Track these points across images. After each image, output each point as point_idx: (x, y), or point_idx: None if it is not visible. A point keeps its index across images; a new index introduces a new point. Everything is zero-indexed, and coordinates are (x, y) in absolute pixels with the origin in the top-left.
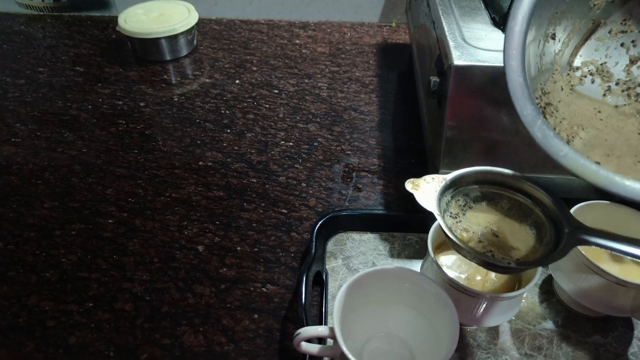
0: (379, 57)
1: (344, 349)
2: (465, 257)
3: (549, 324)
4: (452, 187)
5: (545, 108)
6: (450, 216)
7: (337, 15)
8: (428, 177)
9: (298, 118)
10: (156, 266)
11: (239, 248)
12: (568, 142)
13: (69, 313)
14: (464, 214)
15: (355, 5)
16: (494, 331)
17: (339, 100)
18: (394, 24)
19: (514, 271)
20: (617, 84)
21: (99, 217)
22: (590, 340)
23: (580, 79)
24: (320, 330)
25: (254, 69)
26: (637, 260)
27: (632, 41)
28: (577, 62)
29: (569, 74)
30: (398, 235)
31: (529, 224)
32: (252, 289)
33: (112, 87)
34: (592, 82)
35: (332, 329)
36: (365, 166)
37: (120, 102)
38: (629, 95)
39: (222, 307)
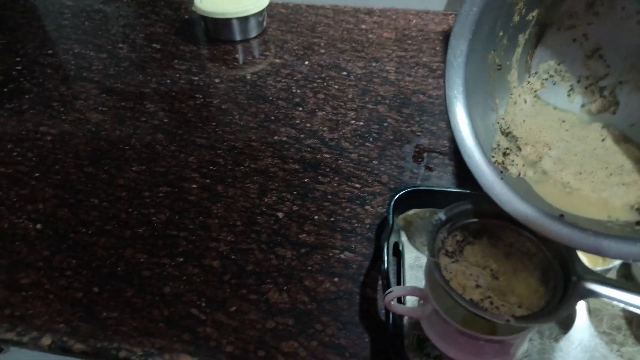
0: (446, 44)
1: (437, 307)
2: (458, 303)
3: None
4: (449, 222)
5: (504, 161)
6: (446, 254)
7: (402, 2)
8: (422, 212)
9: (367, 99)
10: (239, 229)
11: (316, 217)
12: (535, 164)
13: (162, 266)
14: (461, 252)
15: None
16: None
17: (407, 84)
18: None
19: (514, 327)
20: (579, 81)
21: (184, 182)
22: None
23: (542, 83)
24: (410, 289)
25: (322, 51)
26: None
27: (584, 34)
28: (534, 67)
29: (529, 82)
30: None
31: (533, 265)
32: (331, 254)
33: (187, 64)
34: (554, 83)
35: (422, 290)
36: (435, 147)
37: (196, 78)
38: (592, 92)
39: (303, 270)
